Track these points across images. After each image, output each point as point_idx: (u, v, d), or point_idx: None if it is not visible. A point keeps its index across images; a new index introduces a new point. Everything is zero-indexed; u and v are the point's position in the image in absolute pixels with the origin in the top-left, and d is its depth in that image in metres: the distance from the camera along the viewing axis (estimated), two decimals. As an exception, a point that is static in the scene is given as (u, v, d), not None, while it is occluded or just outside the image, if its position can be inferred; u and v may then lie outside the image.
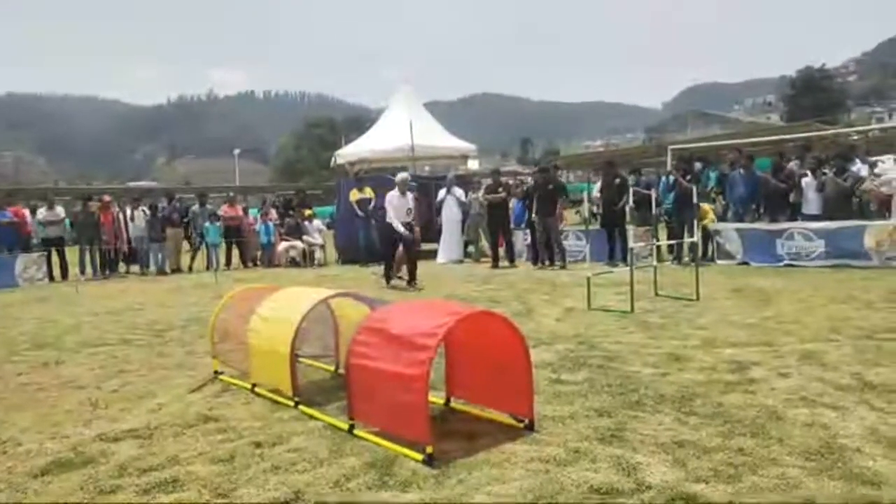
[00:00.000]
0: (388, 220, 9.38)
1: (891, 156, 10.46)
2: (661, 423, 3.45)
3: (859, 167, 10.47)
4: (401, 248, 10.97)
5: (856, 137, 19.30)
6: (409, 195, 9.55)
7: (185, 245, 15.15)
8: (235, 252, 15.05)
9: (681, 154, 12.65)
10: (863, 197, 10.14)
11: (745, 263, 10.24)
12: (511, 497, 2.69)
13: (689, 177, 10.88)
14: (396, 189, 9.50)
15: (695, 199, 8.69)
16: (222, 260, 14.60)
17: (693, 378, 4.25)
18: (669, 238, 10.97)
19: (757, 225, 10.66)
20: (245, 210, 16.33)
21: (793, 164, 11.21)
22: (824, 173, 10.24)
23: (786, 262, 9.84)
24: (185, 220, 15.04)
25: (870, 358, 4.52)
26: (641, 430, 3.37)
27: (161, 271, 13.98)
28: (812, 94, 65.81)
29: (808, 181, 10.42)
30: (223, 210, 15.12)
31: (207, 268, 13.94)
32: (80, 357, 5.80)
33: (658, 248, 9.66)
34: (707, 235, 10.71)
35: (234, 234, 14.82)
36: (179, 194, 24.08)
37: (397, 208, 9.32)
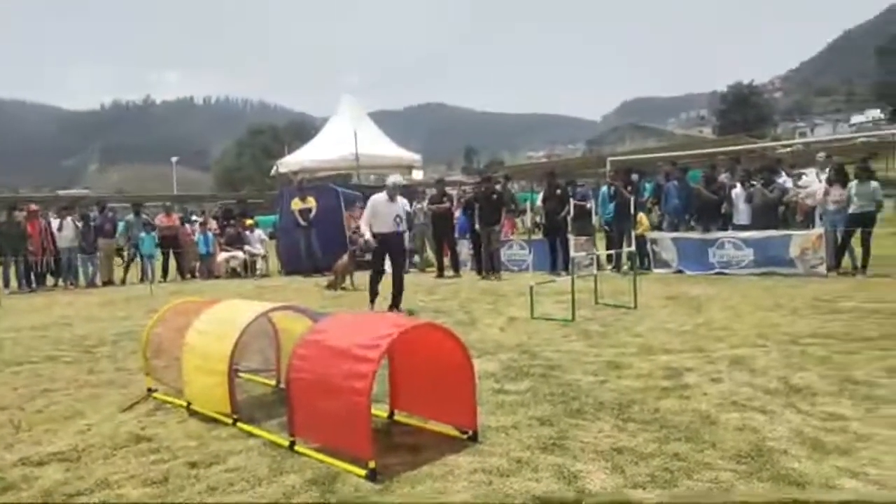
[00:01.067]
0: (361, 225, 8.05)
1: (813, 169, 11.04)
2: (600, 431, 3.52)
3: (784, 179, 11.02)
4: (345, 257, 10.88)
5: (781, 151, 20.33)
6: (401, 201, 8.26)
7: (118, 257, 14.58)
8: (173, 263, 14.56)
9: (619, 166, 13.02)
10: (788, 206, 10.67)
11: (680, 272, 10.61)
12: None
13: (629, 187, 11.21)
14: (384, 193, 8.10)
15: (631, 210, 8.97)
16: (158, 272, 14.10)
17: (631, 385, 4.36)
18: (608, 247, 11.27)
19: (690, 235, 11.07)
20: (182, 220, 15.85)
21: (723, 177, 11.69)
22: (752, 185, 10.73)
23: (717, 270, 10.26)
24: (119, 230, 14.52)
25: (795, 362, 4.75)
26: (582, 437, 3.43)
27: (91, 284, 13.39)
28: (741, 109, 69.12)
29: (737, 192, 10.90)
30: (159, 220, 14.62)
31: (142, 280, 13.45)
32: (2, 376, 5.47)
33: (597, 257, 9.90)
34: (642, 244, 11.04)
35: (171, 244, 14.34)
36: (112, 203, 23.11)
37: (382, 215, 7.93)
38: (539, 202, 13.07)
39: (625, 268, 10.86)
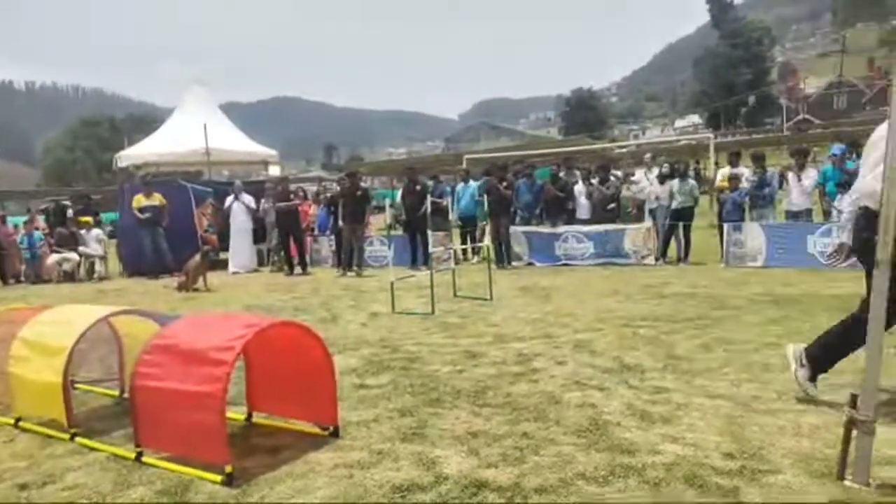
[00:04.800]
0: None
1: (642, 168, 12.17)
2: (458, 417, 3.69)
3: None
4: (197, 256, 10.27)
5: (619, 151, 22.23)
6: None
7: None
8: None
9: (494, 162, 13.60)
10: (622, 203, 11.69)
11: (531, 264, 11.25)
12: (315, 506, 2.70)
13: (505, 184, 11.50)
14: None
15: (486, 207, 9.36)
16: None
17: (486, 372, 4.59)
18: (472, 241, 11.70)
19: (539, 229, 11.76)
20: (3, 219, 14.12)
21: (562, 174, 12.49)
22: (591, 183, 11.63)
23: (563, 261, 11.02)
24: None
25: (628, 343, 5.27)
26: (440, 425, 3.57)
27: None
28: (583, 112, 74.51)
29: (579, 189, 11.76)
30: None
31: (-48, 287, 11.85)
32: None
33: (455, 251, 10.25)
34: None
35: (-11, 246, 12.75)
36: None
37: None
38: (399, 198, 13.24)
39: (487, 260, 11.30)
